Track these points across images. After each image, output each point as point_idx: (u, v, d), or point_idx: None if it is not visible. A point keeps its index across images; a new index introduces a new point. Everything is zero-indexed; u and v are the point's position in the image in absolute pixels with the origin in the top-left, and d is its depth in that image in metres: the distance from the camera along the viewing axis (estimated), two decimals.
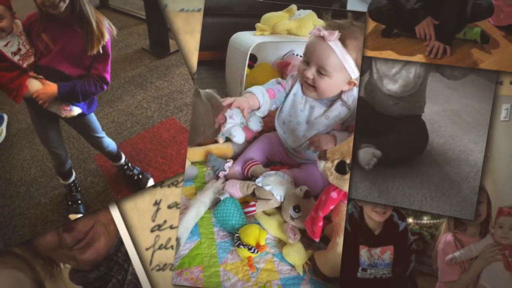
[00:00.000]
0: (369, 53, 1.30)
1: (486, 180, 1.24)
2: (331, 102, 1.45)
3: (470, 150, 1.28)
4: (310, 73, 1.39)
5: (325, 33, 1.34)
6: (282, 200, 1.35)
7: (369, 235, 1.23)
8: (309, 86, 1.43)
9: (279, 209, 1.36)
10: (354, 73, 1.37)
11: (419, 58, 1.28)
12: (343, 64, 1.35)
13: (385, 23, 1.33)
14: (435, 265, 1.26)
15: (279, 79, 1.55)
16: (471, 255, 1.23)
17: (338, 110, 1.43)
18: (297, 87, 1.49)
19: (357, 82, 1.39)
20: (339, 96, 1.43)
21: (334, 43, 1.34)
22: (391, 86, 1.31)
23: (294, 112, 1.49)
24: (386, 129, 1.32)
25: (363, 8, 1.32)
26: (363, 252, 1.22)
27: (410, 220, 1.26)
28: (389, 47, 1.30)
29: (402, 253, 1.23)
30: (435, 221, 1.26)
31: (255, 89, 1.49)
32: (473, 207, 1.23)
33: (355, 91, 1.41)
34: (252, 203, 1.35)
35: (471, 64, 1.27)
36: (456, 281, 1.23)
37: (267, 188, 1.35)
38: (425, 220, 1.26)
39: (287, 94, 1.52)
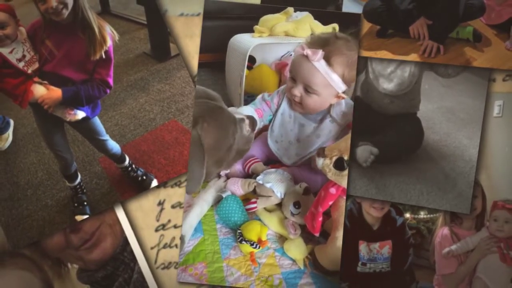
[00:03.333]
0: (365, 53, 1.31)
1: (481, 175, 1.26)
2: (321, 118, 1.42)
3: (465, 146, 1.29)
4: (297, 91, 1.36)
5: (308, 52, 1.29)
6: (283, 196, 1.35)
7: (368, 230, 1.25)
8: (297, 103, 1.41)
9: (279, 205, 1.37)
10: (341, 88, 1.34)
11: (413, 57, 1.29)
12: (329, 82, 1.32)
13: (380, 24, 1.34)
14: (432, 259, 1.27)
15: (265, 95, 1.52)
16: (467, 248, 1.24)
17: (328, 128, 1.41)
18: (284, 105, 1.47)
19: (345, 96, 1.37)
20: (328, 111, 1.41)
21: (318, 63, 1.30)
22: (387, 85, 1.32)
23: (284, 132, 1.47)
24: (382, 127, 1.33)
25: (358, 9, 1.33)
26: (362, 247, 1.24)
27: (407, 215, 1.27)
28: (384, 47, 1.31)
29: (400, 247, 1.25)
30: (431, 215, 1.27)
31: (246, 110, 1.47)
32: (468, 201, 1.24)
33: (343, 105, 1.39)
34: (253, 200, 1.36)
35: (464, 62, 1.28)
36: (453, 273, 1.24)
37: (268, 185, 1.36)
38: (422, 214, 1.28)
39: (276, 112, 1.49)
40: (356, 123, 1.31)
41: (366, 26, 1.33)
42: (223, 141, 1.20)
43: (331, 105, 1.41)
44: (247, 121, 1.28)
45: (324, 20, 1.60)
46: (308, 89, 1.35)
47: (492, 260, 1.23)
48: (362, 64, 1.33)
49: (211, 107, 1.20)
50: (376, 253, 1.23)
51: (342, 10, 1.34)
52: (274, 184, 1.36)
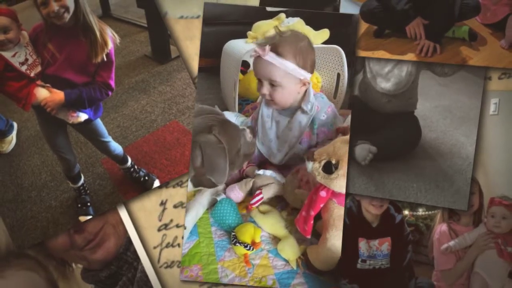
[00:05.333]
0: (362, 53, 1.32)
1: (478, 172, 1.27)
2: (293, 112, 1.44)
3: (462, 144, 1.30)
4: (265, 89, 1.39)
5: (258, 50, 1.35)
6: (284, 181, 1.40)
7: (367, 227, 1.26)
8: (269, 101, 1.44)
9: (273, 205, 1.39)
10: (301, 74, 1.36)
11: (410, 57, 1.30)
12: (286, 70, 1.35)
13: (377, 24, 1.35)
14: (431, 255, 1.29)
15: (248, 123, 1.58)
16: (466, 244, 1.25)
17: (298, 119, 1.43)
18: (263, 107, 1.50)
19: (309, 81, 1.39)
20: (299, 105, 1.43)
21: (269, 56, 1.34)
22: (384, 85, 1.34)
23: (265, 131, 1.50)
24: (380, 125, 1.34)
25: (355, 10, 1.34)
26: (362, 244, 1.24)
27: (406, 212, 1.28)
28: (382, 47, 1.32)
29: (399, 244, 1.25)
30: (430, 212, 1.29)
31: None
32: (466, 198, 1.25)
33: (311, 97, 1.41)
34: (258, 191, 1.38)
35: (461, 61, 1.29)
36: (451, 269, 1.26)
37: (268, 173, 1.40)
38: (421, 211, 1.29)
39: (257, 116, 1.53)
40: (354, 122, 1.31)
41: (363, 26, 1.35)
42: (233, 146, 1.28)
43: (302, 99, 1.43)
44: (248, 130, 1.37)
45: (322, 20, 1.61)
46: (273, 83, 1.39)
47: (490, 255, 1.24)
48: (360, 64, 1.34)
49: (220, 120, 1.30)
50: (375, 250, 1.24)
51: (339, 11, 1.36)
52: (274, 172, 1.41)
